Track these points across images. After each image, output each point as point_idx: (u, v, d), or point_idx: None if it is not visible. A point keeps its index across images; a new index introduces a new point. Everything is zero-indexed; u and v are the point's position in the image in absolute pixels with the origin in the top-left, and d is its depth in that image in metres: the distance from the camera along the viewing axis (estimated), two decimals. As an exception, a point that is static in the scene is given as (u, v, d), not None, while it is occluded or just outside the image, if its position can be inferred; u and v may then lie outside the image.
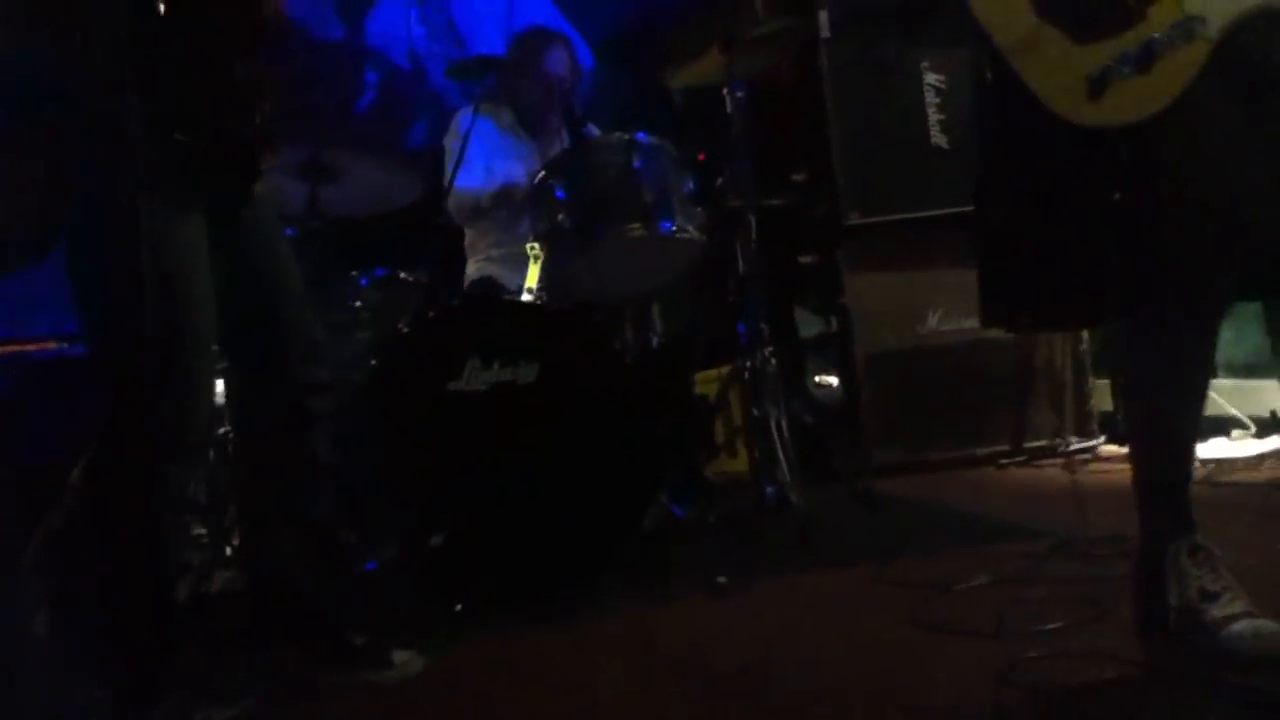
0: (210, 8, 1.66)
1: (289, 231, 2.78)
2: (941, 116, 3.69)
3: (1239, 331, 3.38)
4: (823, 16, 3.70)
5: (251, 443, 1.97)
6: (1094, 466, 3.41)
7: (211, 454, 2.62)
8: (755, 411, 3.01)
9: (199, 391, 1.75)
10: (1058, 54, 1.48)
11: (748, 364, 3.04)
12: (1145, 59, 1.45)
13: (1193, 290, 1.49)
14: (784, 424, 2.95)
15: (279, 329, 1.89)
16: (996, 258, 1.67)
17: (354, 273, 2.97)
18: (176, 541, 1.84)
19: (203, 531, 2.75)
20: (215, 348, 1.86)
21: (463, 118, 3.40)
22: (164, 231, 1.62)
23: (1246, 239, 1.44)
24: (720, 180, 3.13)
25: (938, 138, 3.70)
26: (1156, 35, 1.46)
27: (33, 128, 1.69)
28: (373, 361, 2.60)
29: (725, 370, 3.46)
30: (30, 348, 3.29)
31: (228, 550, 2.64)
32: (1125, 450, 2.77)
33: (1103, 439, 3.64)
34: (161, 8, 1.54)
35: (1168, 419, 1.68)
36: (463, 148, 3.11)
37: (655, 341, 3.24)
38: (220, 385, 2.18)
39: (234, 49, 1.71)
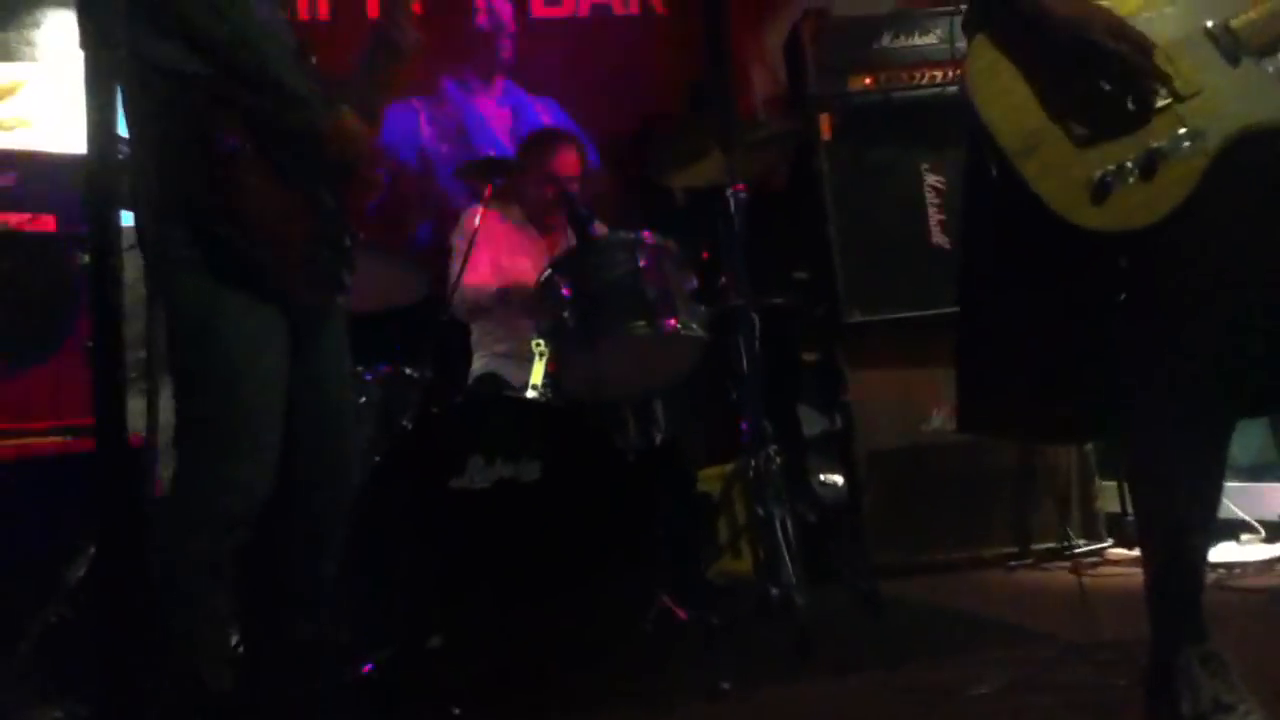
0: (307, 149, 1.80)
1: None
2: (941, 216, 3.74)
3: (1244, 433, 3.37)
4: (822, 119, 3.78)
5: (266, 555, 1.95)
6: (1102, 569, 3.37)
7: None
8: (759, 510, 2.98)
9: (259, 484, 1.77)
10: (1061, 157, 1.50)
11: (751, 462, 3.02)
12: (1148, 167, 1.47)
13: (1197, 400, 1.49)
14: (788, 523, 2.92)
15: (323, 451, 1.92)
16: (984, 362, 1.67)
17: (359, 368, 2.98)
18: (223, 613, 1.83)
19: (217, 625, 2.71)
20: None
21: (470, 215, 3.45)
22: (246, 329, 1.74)
23: (1249, 350, 1.44)
24: (722, 279, 3.17)
25: (938, 238, 3.75)
26: (1158, 144, 1.48)
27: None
28: (376, 457, 2.59)
29: (728, 468, 3.44)
30: (32, 442, 3.29)
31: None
32: (1133, 553, 2.75)
33: (1110, 541, 3.60)
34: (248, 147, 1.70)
35: (1177, 528, 1.66)
36: (469, 245, 3.15)
37: (658, 439, 3.23)
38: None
39: (322, 180, 1.84)
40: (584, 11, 4.72)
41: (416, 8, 2.27)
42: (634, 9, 4.78)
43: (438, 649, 2.31)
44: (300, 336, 1.85)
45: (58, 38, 4.13)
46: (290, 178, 1.77)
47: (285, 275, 1.77)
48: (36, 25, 4.18)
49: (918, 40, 3.77)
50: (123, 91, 1.74)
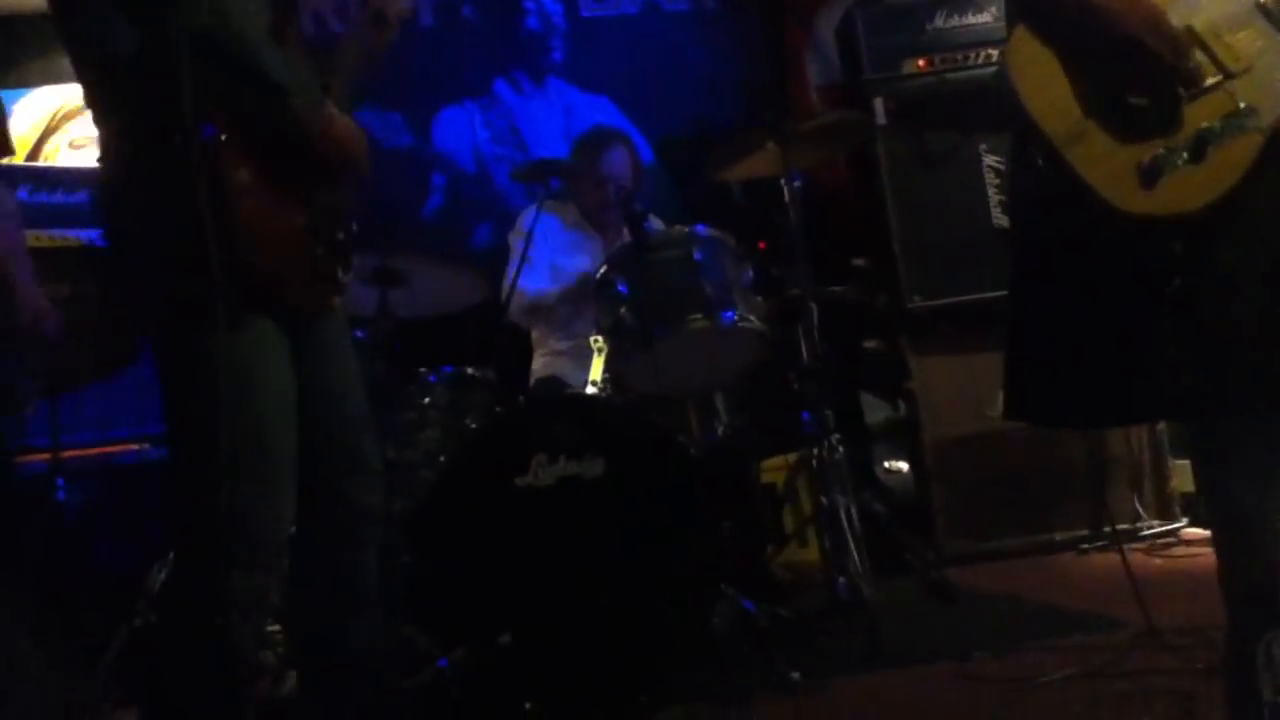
0: (295, 144, 1.70)
1: (359, 334, 2.86)
2: (1002, 197, 3.68)
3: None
4: (878, 104, 3.75)
5: (298, 561, 1.91)
6: (1177, 550, 3.31)
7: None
8: (824, 500, 2.97)
9: (279, 503, 1.71)
10: (1107, 144, 1.47)
11: (814, 452, 3.01)
12: (1199, 148, 1.44)
13: (1260, 382, 1.45)
14: (854, 513, 2.91)
15: (335, 448, 1.85)
16: (1029, 349, 1.65)
17: (423, 370, 3.02)
18: (250, 646, 1.82)
19: (277, 628, 2.78)
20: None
21: (527, 216, 3.48)
22: (248, 350, 1.65)
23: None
24: (779, 270, 3.15)
25: (1000, 219, 3.69)
26: (1209, 125, 1.44)
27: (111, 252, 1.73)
28: (442, 458, 2.63)
29: (792, 458, 3.44)
30: (113, 450, 3.38)
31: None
32: (1209, 533, 2.69)
33: (1185, 521, 3.53)
34: (223, 137, 1.58)
35: (1247, 514, 1.62)
36: (526, 246, 3.18)
37: (720, 432, 3.23)
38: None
39: (317, 178, 1.74)
40: (633, 9, 4.72)
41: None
42: (684, 4, 4.77)
43: (508, 646, 2.33)
44: (301, 339, 1.76)
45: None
46: (277, 173, 1.66)
47: (275, 275, 1.66)
48: (103, 47, 4.29)
49: (971, 19, 3.72)
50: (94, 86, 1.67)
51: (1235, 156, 1.43)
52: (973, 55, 3.70)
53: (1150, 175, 1.44)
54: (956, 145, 3.73)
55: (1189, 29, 1.48)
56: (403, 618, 2.48)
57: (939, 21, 3.76)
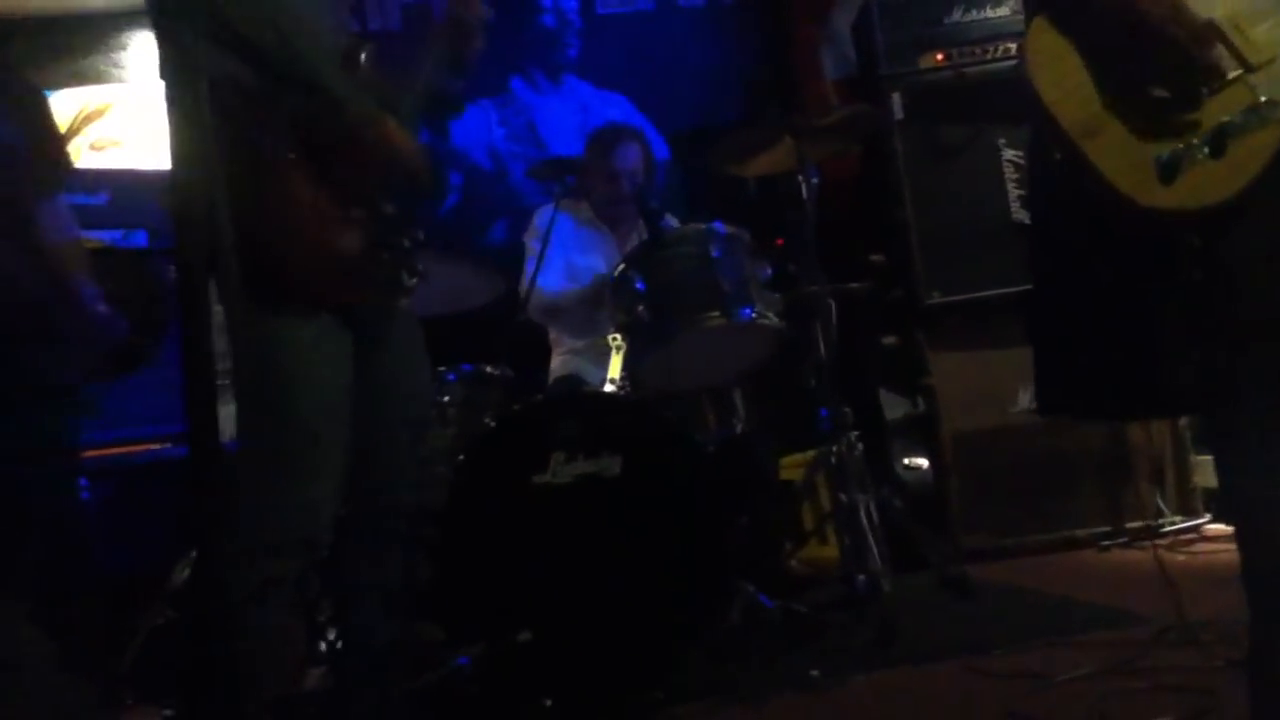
0: (354, 153, 1.77)
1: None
2: (1021, 192, 3.66)
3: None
4: (895, 98, 3.74)
5: (347, 558, 1.95)
6: (1200, 546, 3.28)
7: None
8: (842, 497, 2.97)
9: (313, 494, 1.74)
10: (1126, 138, 1.46)
11: (833, 449, 3.01)
12: (1218, 142, 1.43)
13: (1260, 387, 1.44)
14: (873, 509, 2.90)
15: (400, 452, 1.91)
16: (1058, 343, 1.64)
17: (441, 369, 3.03)
18: (282, 635, 1.85)
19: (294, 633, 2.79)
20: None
21: (542, 214, 3.48)
22: (299, 344, 1.71)
23: None
24: (796, 265, 3.15)
25: (1019, 213, 3.67)
26: (1229, 118, 1.43)
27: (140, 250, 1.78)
28: (460, 456, 2.64)
29: (811, 455, 3.43)
30: (132, 449, 3.41)
31: (322, 646, 2.67)
32: (1231, 529, 2.67)
33: (1208, 517, 3.50)
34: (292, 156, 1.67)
35: (1268, 508, 1.61)
36: (543, 245, 3.18)
37: (738, 429, 3.23)
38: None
39: (377, 186, 1.82)
40: (649, 5, 4.72)
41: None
42: (698, 0, 4.77)
43: (528, 642, 2.34)
44: (365, 342, 1.83)
45: (143, 59, 4.28)
46: (337, 183, 1.74)
47: (330, 282, 1.74)
48: (123, 48, 4.34)
49: (989, 13, 3.71)
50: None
51: (1255, 150, 1.42)
52: (990, 49, 3.68)
53: (1169, 169, 1.43)
54: (974, 139, 3.71)
55: (1209, 22, 1.47)
56: (420, 615, 2.49)
57: (956, 15, 3.74)
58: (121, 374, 3.04)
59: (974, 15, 3.74)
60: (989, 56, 3.68)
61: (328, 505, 1.75)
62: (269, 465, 1.67)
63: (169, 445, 3.37)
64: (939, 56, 3.73)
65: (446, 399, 2.98)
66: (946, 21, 3.75)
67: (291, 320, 1.71)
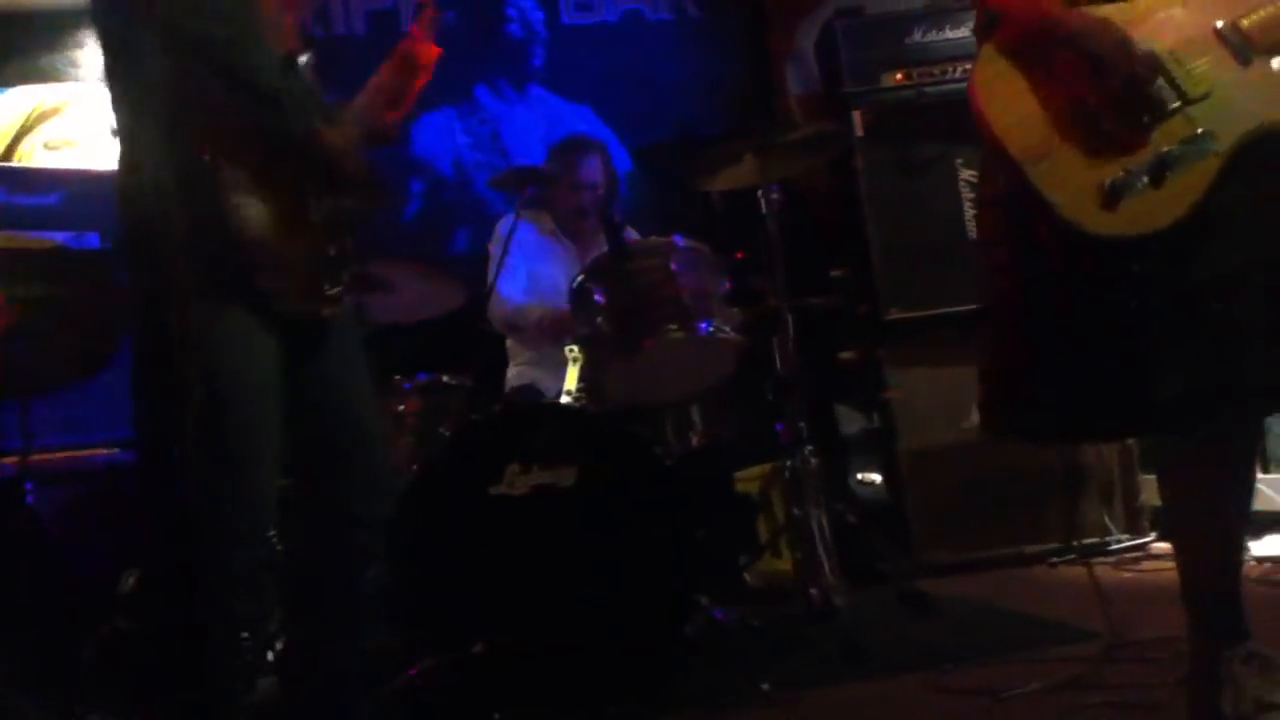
0: (292, 155, 1.76)
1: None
2: (976, 211, 3.70)
3: (1289, 425, 3.32)
4: (856, 116, 3.77)
5: (300, 567, 1.96)
6: (1146, 564, 3.33)
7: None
8: (796, 511, 2.98)
9: (255, 509, 1.74)
10: (1071, 165, 1.49)
11: (788, 463, 3.02)
12: (1158, 172, 1.46)
13: (1221, 401, 1.47)
14: (825, 524, 2.92)
15: (346, 460, 1.88)
16: (1006, 364, 1.66)
17: (397, 377, 3.02)
18: (226, 635, 1.83)
19: (245, 635, 2.76)
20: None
21: (504, 224, 3.48)
22: (228, 353, 1.68)
23: (1262, 358, 1.42)
24: (757, 280, 3.16)
25: (975, 232, 3.71)
26: (1169, 149, 1.47)
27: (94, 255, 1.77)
28: (415, 466, 2.62)
29: (767, 469, 3.44)
30: (85, 454, 3.36)
31: (269, 655, 2.64)
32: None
33: (1153, 536, 3.55)
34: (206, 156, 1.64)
35: (1209, 531, 1.64)
36: (503, 254, 3.17)
37: (695, 443, 3.23)
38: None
39: (313, 189, 1.79)
40: (615, 17, 4.73)
41: (431, 13, 2.21)
42: (666, 14, 4.79)
43: (479, 655, 2.33)
44: (300, 348, 1.80)
45: (100, 59, 4.22)
46: (276, 185, 1.72)
47: (268, 283, 1.71)
48: (79, 46, 4.28)
49: (949, 34, 3.75)
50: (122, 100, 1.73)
51: (1193, 180, 1.46)
52: (950, 69, 3.73)
53: (1112, 197, 1.46)
54: (934, 158, 3.75)
55: (1152, 54, 1.51)
56: (375, 625, 2.47)
57: (917, 35, 3.79)
58: (80, 379, 3.00)
59: (934, 36, 3.78)
60: (948, 77, 3.73)
61: (262, 505, 1.75)
62: (216, 467, 1.63)
63: (120, 451, 3.32)
64: (899, 76, 3.77)
65: (403, 408, 2.97)
66: (908, 41, 3.79)
67: (224, 318, 1.69)
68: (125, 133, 1.74)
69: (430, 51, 2.05)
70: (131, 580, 2.84)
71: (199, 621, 1.63)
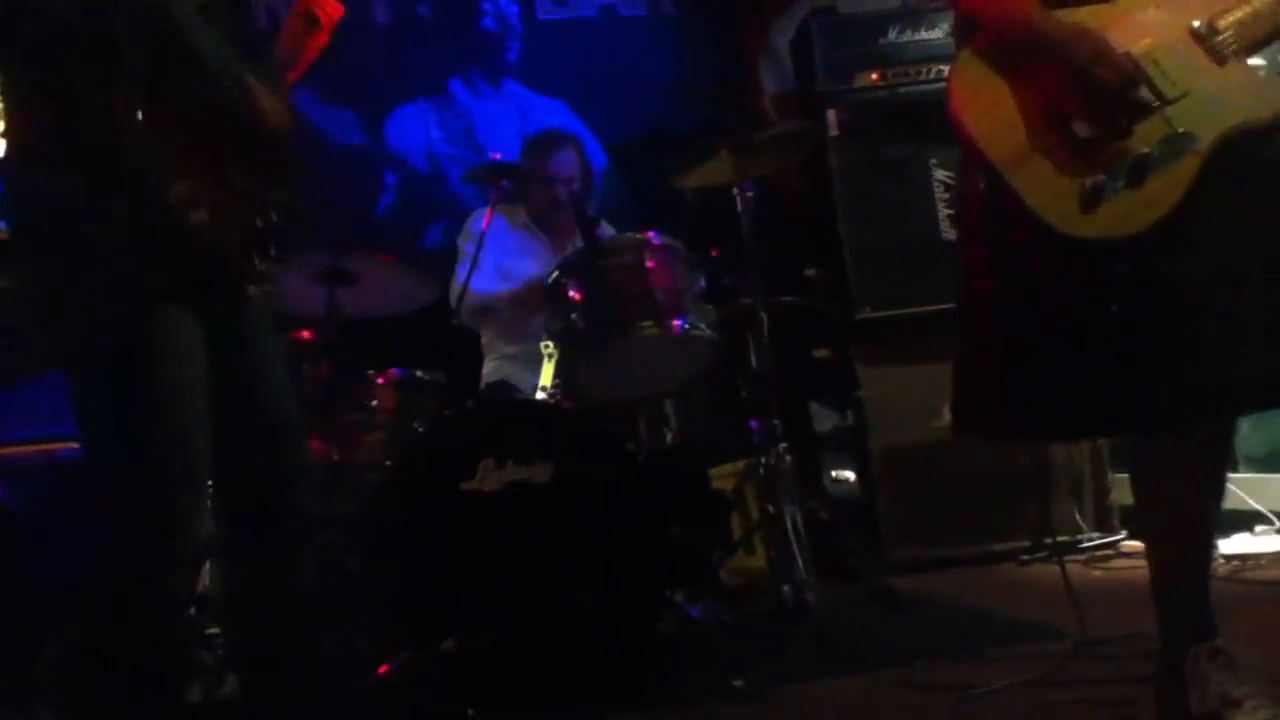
0: (206, 120, 1.63)
1: (306, 334, 2.82)
2: (951, 211, 3.72)
3: (1258, 423, 3.35)
4: (830, 115, 3.78)
5: (236, 565, 1.90)
6: (1116, 562, 3.36)
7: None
8: (770, 508, 2.99)
9: (195, 502, 1.68)
10: (1050, 169, 1.50)
11: (762, 460, 3.03)
12: (1138, 174, 1.47)
13: (1196, 400, 1.48)
14: (799, 520, 2.93)
15: (266, 450, 1.81)
16: (979, 366, 1.67)
17: (371, 372, 3.00)
18: (185, 642, 1.79)
19: (215, 631, 2.74)
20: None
21: (476, 219, 3.47)
22: (165, 353, 1.61)
23: (1248, 356, 1.44)
24: (731, 278, 3.17)
25: (949, 233, 3.73)
26: (1148, 151, 1.48)
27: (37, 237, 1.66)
28: (388, 462, 2.61)
29: (741, 466, 3.45)
30: (56, 448, 3.32)
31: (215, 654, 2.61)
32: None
33: (1124, 534, 3.59)
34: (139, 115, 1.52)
35: (1180, 528, 1.66)
36: (476, 249, 3.16)
37: (669, 439, 3.24)
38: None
39: (232, 158, 1.67)
40: (591, 12, 4.73)
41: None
42: (641, 9, 4.78)
43: (452, 651, 2.32)
44: (220, 336, 1.71)
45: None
46: (193, 156, 1.60)
47: (206, 269, 1.62)
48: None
49: (924, 35, 3.76)
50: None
51: (1174, 180, 1.47)
52: (925, 70, 3.74)
53: (1091, 200, 1.48)
54: (908, 158, 3.77)
55: (1128, 55, 1.52)
56: (347, 621, 2.46)
57: (892, 36, 3.80)
58: (45, 370, 2.96)
59: (909, 36, 3.80)
60: (923, 77, 3.74)
61: (204, 510, 1.70)
62: (147, 465, 1.58)
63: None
64: (874, 76, 3.78)
65: (376, 403, 2.95)
66: (883, 42, 3.80)
67: (170, 319, 1.61)
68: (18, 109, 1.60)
69: (334, 8, 1.91)
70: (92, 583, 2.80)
71: (140, 623, 1.58)
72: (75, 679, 1.85)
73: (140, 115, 1.53)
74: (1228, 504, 3.26)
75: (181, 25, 1.59)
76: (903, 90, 3.75)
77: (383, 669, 2.33)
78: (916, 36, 3.78)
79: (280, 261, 1.79)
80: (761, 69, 4.68)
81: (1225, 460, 1.68)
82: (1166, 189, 1.46)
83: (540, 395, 2.75)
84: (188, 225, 1.58)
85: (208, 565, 2.87)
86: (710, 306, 2.94)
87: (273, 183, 1.75)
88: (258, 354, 1.81)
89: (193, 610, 2.76)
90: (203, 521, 1.71)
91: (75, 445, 3.27)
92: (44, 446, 3.26)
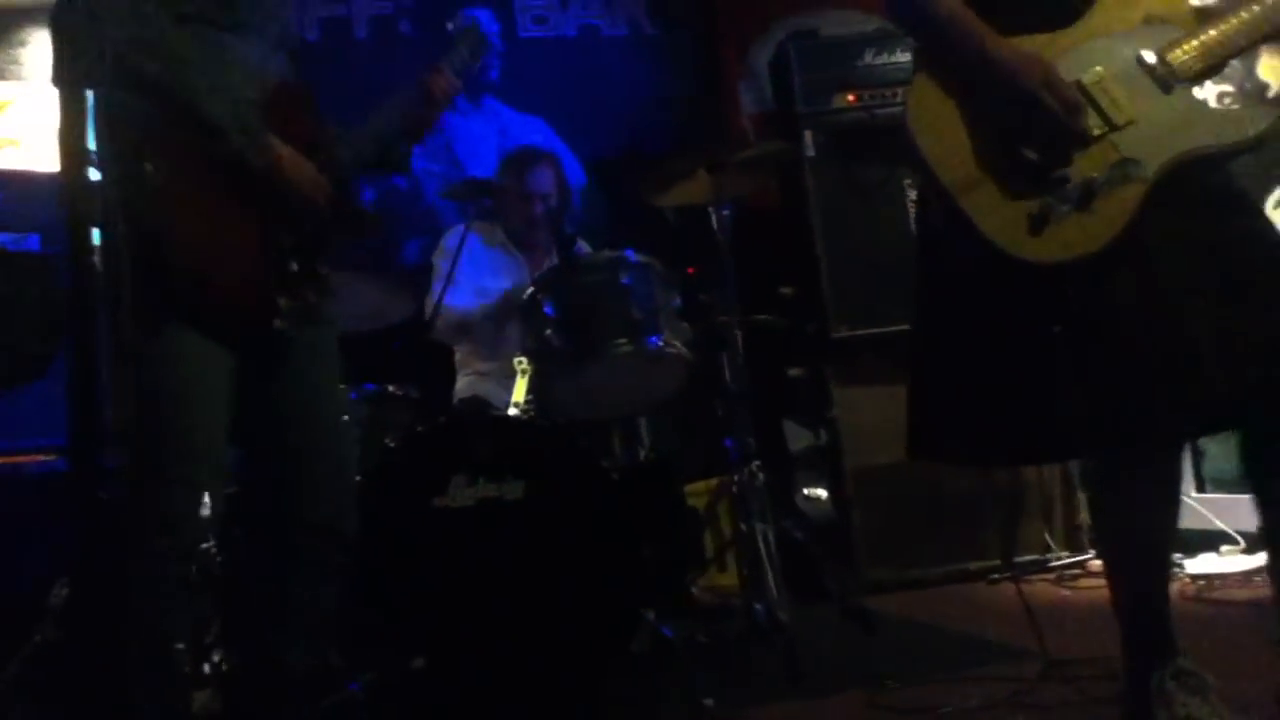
0: (240, 180, 1.80)
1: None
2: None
3: (1225, 444, 3.38)
4: (807, 136, 3.81)
5: (253, 583, 1.96)
6: (1084, 581, 3.38)
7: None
8: (743, 526, 2.99)
9: (182, 515, 1.74)
10: (1000, 192, 1.53)
11: (735, 478, 3.03)
12: (1084, 198, 1.50)
13: (1145, 423, 1.50)
14: (771, 539, 2.93)
15: (305, 471, 1.91)
16: (931, 389, 1.69)
17: (343, 387, 2.98)
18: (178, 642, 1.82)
19: (181, 648, 2.71)
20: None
21: (451, 236, 3.47)
22: (163, 367, 1.71)
23: (1194, 379, 1.46)
24: (707, 297, 3.18)
25: (922, 253, 3.75)
26: (1095, 175, 1.51)
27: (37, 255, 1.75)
28: (359, 477, 2.59)
29: (714, 484, 3.45)
30: (22, 460, 3.29)
31: (206, 668, 2.59)
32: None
33: (1093, 553, 3.61)
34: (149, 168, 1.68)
35: (1136, 551, 1.68)
36: (452, 267, 3.16)
37: (643, 457, 3.24)
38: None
39: (267, 212, 1.84)
40: (572, 31, 4.75)
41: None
42: (622, 29, 4.81)
43: (422, 669, 2.30)
44: (262, 360, 1.85)
45: (44, 58, 4.15)
46: (226, 210, 1.78)
47: (212, 304, 1.76)
48: (23, 44, 4.20)
49: (900, 58, 3.80)
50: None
51: (1120, 205, 1.50)
52: (901, 92, 3.77)
53: (1039, 223, 1.50)
54: (884, 179, 3.81)
55: (1077, 83, 1.55)
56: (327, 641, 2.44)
57: (869, 58, 3.84)
58: (18, 383, 2.93)
59: (885, 59, 3.84)
60: (898, 99, 3.77)
61: (197, 518, 1.77)
62: (146, 479, 1.63)
63: (56, 458, 3.25)
64: (851, 97, 3.82)
65: (348, 418, 2.93)
66: (859, 64, 3.84)
67: (171, 338, 1.73)
68: (70, 139, 1.74)
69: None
70: (63, 591, 2.78)
71: (123, 632, 1.61)
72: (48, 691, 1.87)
73: (165, 164, 1.70)
74: (1194, 524, 3.33)
75: (192, 88, 1.75)
76: (878, 112, 3.79)
77: (352, 687, 2.31)
78: (892, 59, 3.82)
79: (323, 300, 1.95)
80: (740, 90, 4.71)
81: (1178, 479, 1.70)
82: (1112, 214, 1.49)
83: (513, 412, 2.75)
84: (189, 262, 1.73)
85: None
86: (685, 324, 2.95)
87: (319, 238, 1.93)
88: (297, 385, 1.92)
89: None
90: (195, 534, 1.79)
91: (42, 458, 3.26)
92: (10, 459, 3.24)
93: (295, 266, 1.88)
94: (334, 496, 1.95)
